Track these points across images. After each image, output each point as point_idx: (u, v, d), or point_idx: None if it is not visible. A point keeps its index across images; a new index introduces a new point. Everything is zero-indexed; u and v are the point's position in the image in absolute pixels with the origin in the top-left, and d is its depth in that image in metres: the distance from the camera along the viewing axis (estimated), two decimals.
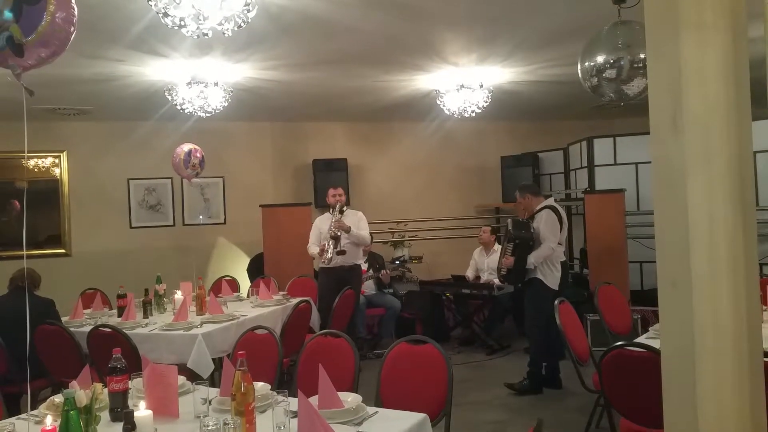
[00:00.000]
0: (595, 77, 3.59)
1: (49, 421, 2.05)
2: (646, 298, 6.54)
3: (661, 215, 1.63)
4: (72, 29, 2.24)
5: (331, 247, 5.61)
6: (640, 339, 3.39)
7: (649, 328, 3.77)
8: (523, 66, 5.72)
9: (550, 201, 5.20)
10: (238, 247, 8.18)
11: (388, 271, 6.93)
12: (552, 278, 5.07)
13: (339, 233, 5.63)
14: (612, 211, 6.76)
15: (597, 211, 6.87)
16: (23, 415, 2.57)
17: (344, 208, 5.76)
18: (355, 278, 5.94)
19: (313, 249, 5.85)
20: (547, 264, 5.06)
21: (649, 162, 1.69)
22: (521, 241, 5.09)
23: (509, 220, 5.32)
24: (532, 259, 5.00)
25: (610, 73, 3.50)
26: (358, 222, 5.86)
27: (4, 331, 4.14)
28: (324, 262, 5.67)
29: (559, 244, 5.10)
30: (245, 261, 7.93)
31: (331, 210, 5.82)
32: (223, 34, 3.33)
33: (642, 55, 3.45)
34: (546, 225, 5.00)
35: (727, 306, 1.55)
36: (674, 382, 1.62)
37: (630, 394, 2.91)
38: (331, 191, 5.95)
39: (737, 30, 1.58)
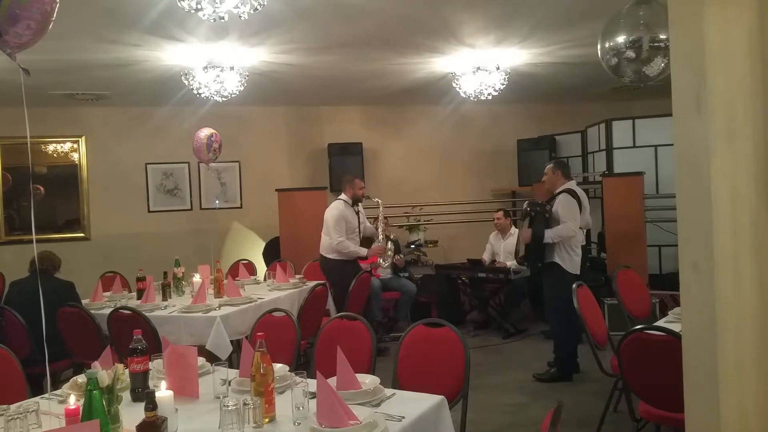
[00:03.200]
0: (615, 57, 3.53)
1: (73, 400, 2.08)
2: (664, 282, 6.49)
3: (683, 196, 1.61)
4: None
5: (392, 249, 5.82)
6: (660, 323, 3.37)
7: (669, 312, 3.74)
8: (540, 47, 5.64)
9: (570, 184, 5.11)
10: (254, 231, 8.23)
11: (402, 256, 6.95)
12: (571, 263, 4.98)
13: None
14: (630, 194, 6.69)
15: (615, 194, 6.81)
16: (47, 395, 2.62)
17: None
18: (359, 267, 6.00)
19: (361, 250, 5.69)
20: (565, 248, 4.97)
21: (669, 144, 1.67)
22: (537, 214, 5.04)
23: (526, 202, 5.29)
24: (551, 233, 4.90)
25: (630, 53, 3.44)
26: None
27: (26, 313, 4.21)
28: (383, 264, 5.92)
29: (579, 228, 5.02)
30: (261, 245, 7.97)
31: (344, 199, 5.82)
32: (240, 17, 3.33)
33: (663, 35, 3.38)
34: (565, 207, 4.93)
35: (750, 289, 1.52)
36: (695, 365, 1.61)
37: (649, 378, 2.90)
38: (361, 183, 5.92)
39: (763, 6, 1.53)
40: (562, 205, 4.95)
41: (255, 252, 7.84)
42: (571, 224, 4.89)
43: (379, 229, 5.90)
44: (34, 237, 2.77)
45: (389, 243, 5.84)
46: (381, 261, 5.92)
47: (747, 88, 1.51)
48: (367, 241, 6.20)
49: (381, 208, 5.89)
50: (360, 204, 5.93)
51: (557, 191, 5.07)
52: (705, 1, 1.50)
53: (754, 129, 1.52)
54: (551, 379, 4.98)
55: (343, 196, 5.87)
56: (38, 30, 2.21)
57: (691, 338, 1.64)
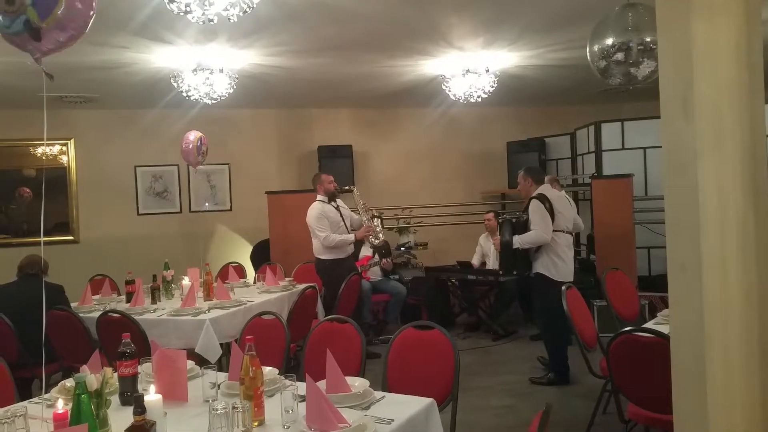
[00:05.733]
0: (604, 60, 3.56)
1: (61, 404, 2.07)
2: (653, 284, 6.52)
3: (671, 199, 1.62)
4: (91, 12, 2.22)
5: (380, 227, 5.77)
6: (648, 324, 3.39)
7: (657, 314, 3.77)
8: (530, 50, 5.67)
9: (543, 188, 5.08)
10: (244, 234, 8.20)
11: (391, 260, 6.94)
12: (557, 271, 4.90)
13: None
14: (619, 196, 6.73)
15: (604, 196, 6.84)
16: (35, 399, 2.60)
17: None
18: (354, 266, 6.03)
19: (348, 236, 5.74)
20: (550, 256, 4.92)
21: (658, 147, 1.68)
22: (504, 222, 5.13)
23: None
24: (518, 239, 4.92)
25: (618, 56, 3.47)
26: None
27: (15, 317, 4.18)
28: (375, 242, 5.92)
29: (560, 231, 4.94)
30: (250, 248, 7.94)
31: (320, 199, 5.83)
32: (229, 19, 3.32)
33: (650, 38, 3.42)
34: (534, 213, 4.91)
35: (737, 290, 1.54)
36: (683, 366, 1.62)
37: (638, 380, 2.91)
38: (329, 178, 5.93)
39: (750, 12, 1.55)
40: (531, 212, 4.95)
41: (245, 255, 7.81)
42: (540, 231, 4.85)
43: (362, 212, 5.93)
44: (42, 239, 2.77)
45: (375, 220, 5.86)
46: (373, 240, 5.90)
47: (733, 93, 1.53)
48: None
49: (356, 193, 5.96)
50: (338, 199, 5.93)
51: (531, 197, 5.06)
52: (692, 7, 1.51)
53: (741, 132, 1.54)
54: (549, 383, 4.93)
55: (318, 196, 5.89)
56: (71, 40, 2.23)
57: (679, 339, 1.65)
